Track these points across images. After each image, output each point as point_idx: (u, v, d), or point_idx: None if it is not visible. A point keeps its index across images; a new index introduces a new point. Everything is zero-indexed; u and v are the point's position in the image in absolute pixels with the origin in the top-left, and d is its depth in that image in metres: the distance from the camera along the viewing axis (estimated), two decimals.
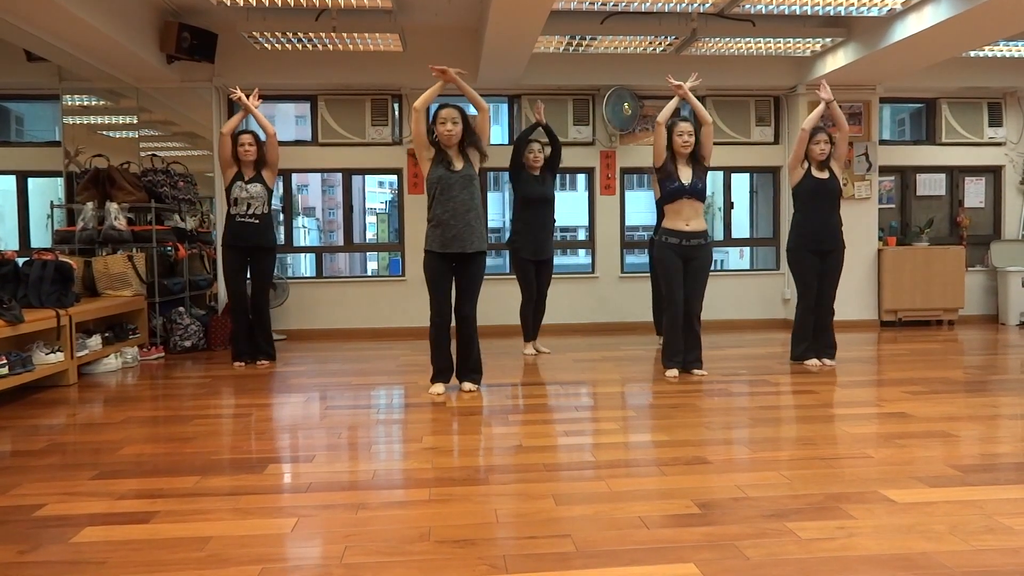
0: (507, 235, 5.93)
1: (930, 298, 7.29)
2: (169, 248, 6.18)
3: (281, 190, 7.02)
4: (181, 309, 6.16)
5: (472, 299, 4.25)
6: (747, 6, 5.46)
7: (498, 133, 8.50)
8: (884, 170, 7.48)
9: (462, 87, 4.19)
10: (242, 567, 1.96)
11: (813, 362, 5.07)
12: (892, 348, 6.01)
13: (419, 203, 6.73)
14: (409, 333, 6.79)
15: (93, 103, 6.86)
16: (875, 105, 7.22)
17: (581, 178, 7.94)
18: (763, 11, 5.58)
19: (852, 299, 7.16)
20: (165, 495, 2.54)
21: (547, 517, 2.29)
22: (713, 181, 7.95)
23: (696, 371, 4.76)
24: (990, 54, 6.60)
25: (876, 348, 6.04)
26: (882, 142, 7.48)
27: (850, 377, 4.67)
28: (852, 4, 5.33)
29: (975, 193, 7.80)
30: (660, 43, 6.27)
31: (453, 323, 4.28)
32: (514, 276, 5.79)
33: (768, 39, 6.11)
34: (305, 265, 13.17)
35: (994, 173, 7.79)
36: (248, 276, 5.33)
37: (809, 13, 5.57)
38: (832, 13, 5.54)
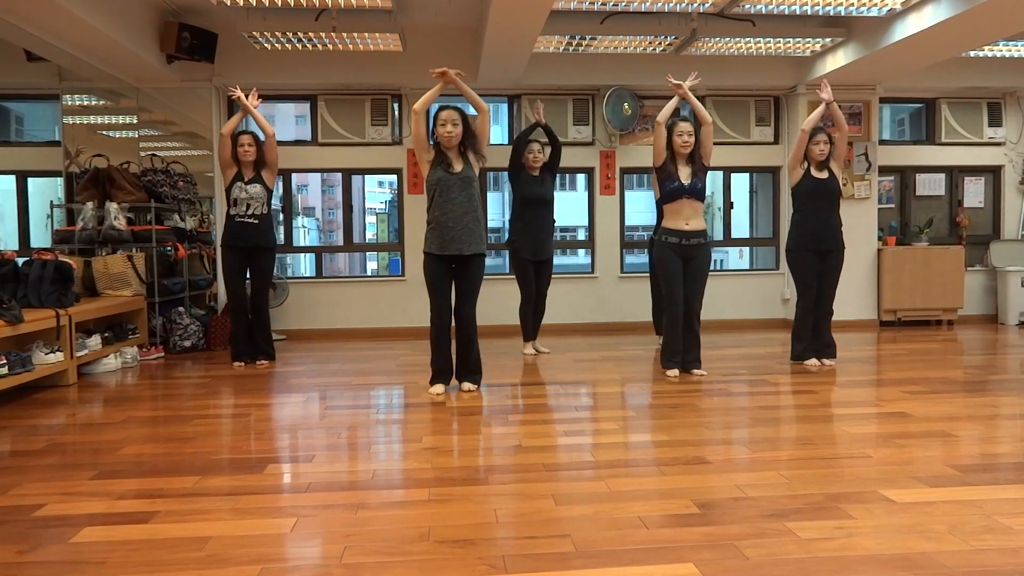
0: (507, 235, 5.93)
1: (929, 298, 7.29)
2: (169, 248, 6.18)
3: (281, 190, 7.03)
4: (181, 309, 6.15)
5: (471, 300, 4.26)
6: (747, 6, 5.46)
7: (498, 133, 8.49)
8: (884, 170, 7.48)
9: (462, 88, 4.19)
10: (242, 567, 1.96)
11: (812, 362, 5.07)
12: (891, 348, 6.02)
13: (419, 203, 6.73)
14: (409, 333, 6.79)
15: (93, 103, 6.86)
16: (875, 105, 7.22)
17: (581, 178, 7.94)
18: (763, 11, 5.59)
19: (851, 299, 7.17)
20: (165, 495, 2.54)
21: (547, 517, 2.29)
22: (713, 181, 7.95)
23: (695, 371, 4.76)
24: (990, 54, 6.60)
25: (875, 348, 6.04)
26: (882, 142, 7.48)
27: (849, 377, 4.68)
28: (852, 4, 5.33)
29: (975, 193, 7.81)
30: (660, 43, 6.27)
31: (453, 324, 4.28)
32: (513, 276, 5.79)
33: (768, 39, 6.11)
34: (305, 265, 13.17)
35: (994, 173, 7.79)
36: (247, 276, 5.33)
37: (809, 13, 5.58)
38: (832, 13, 5.54)
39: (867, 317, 7.34)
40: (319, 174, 16.06)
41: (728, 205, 7.54)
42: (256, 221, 5.19)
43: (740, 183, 7.77)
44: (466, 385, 4.31)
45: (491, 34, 5.39)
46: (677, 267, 4.70)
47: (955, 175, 7.76)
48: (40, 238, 6.79)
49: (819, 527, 2.18)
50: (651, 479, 2.67)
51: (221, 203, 6.29)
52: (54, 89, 6.46)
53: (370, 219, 22.68)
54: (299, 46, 6.22)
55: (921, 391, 4.17)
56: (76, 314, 4.73)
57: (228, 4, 5.39)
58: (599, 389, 4.48)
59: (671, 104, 4.70)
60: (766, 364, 5.17)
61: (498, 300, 6.65)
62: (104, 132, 7.00)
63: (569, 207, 8.01)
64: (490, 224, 8.37)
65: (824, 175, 5.00)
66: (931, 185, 7.74)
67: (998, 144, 7.67)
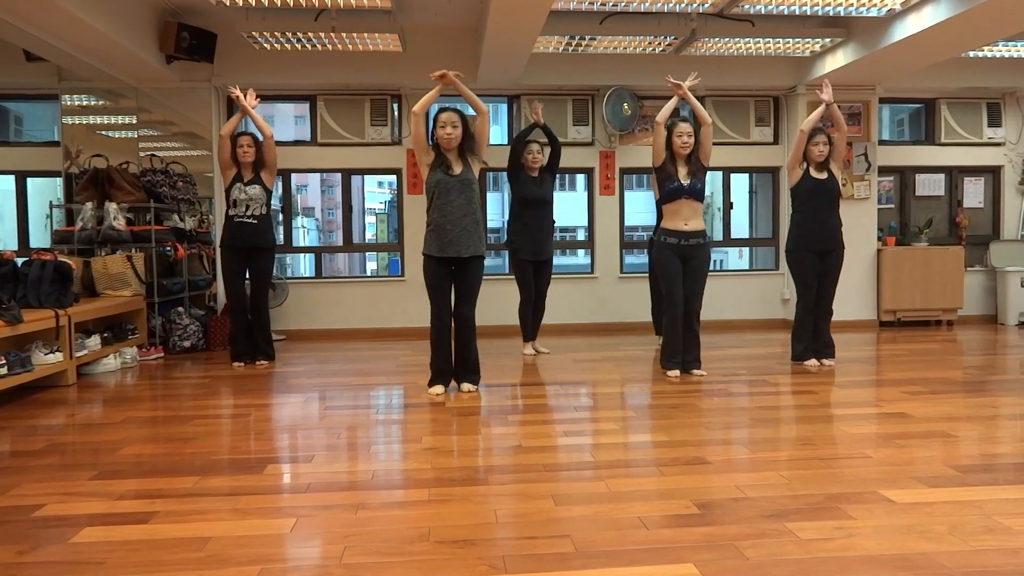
0: (506, 236, 5.93)
1: (929, 298, 7.29)
2: (168, 248, 6.18)
3: (280, 190, 7.02)
4: (180, 309, 6.15)
5: (470, 302, 4.26)
6: (747, 6, 5.46)
7: (498, 133, 8.49)
8: (883, 170, 7.48)
9: (461, 90, 4.21)
10: (241, 567, 1.96)
11: (812, 362, 5.07)
12: (891, 348, 6.02)
13: (418, 203, 6.73)
14: (409, 333, 6.79)
15: (92, 103, 6.86)
16: (874, 105, 7.23)
17: (580, 178, 7.94)
18: (763, 11, 5.58)
19: (851, 299, 7.17)
20: (164, 495, 2.54)
21: (546, 517, 2.29)
22: (712, 181, 7.96)
23: (695, 371, 4.76)
24: (989, 54, 6.61)
25: (875, 348, 6.04)
26: (881, 142, 7.49)
27: (849, 377, 4.68)
28: (852, 4, 5.33)
29: (974, 193, 7.81)
30: (660, 43, 6.27)
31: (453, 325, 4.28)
32: (513, 276, 5.79)
33: (768, 39, 6.11)
34: (304, 265, 13.17)
35: (993, 173, 7.80)
36: (247, 277, 5.33)
37: (809, 13, 5.57)
38: (832, 13, 5.54)
39: (867, 317, 7.34)
40: (318, 174, 16.05)
41: (728, 205, 7.54)
42: (255, 221, 5.19)
43: (740, 183, 7.77)
44: (465, 386, 4.31)
45: (491, 34, 5.39)
46: (676, 267, 4.70)
47: (955, 175, 7.77)
48: (39, 238, 6.78)
49: (819, 527, 2.18)
50: (651, 479, 2.67)
51: (220, 203, 6.29)
52: (53, 89, 6.45)
53: (370, 219, 22.66)
54: (299, 46, 6.21)
55: (921, 391, 4.17)
56: (75, 314, 4.73)
57: (227, 4, 5.39)
58: (599, 389, 4.48)
59: (670, 104, 4.70)
60: (766, 364, 5.18)
61: (498, 300, 6.65)
62: (103, 132, 7.00)
63: (569, 207, 8.00)
64: (490, 224, 8.35)
65: (823, 175, 5.00)
66: (931, 185, 7.75)
67: (998, 144, 7.68)
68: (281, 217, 7.29)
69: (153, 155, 6.48)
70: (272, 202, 5.53)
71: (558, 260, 6.17)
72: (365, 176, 10.70)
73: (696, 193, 4.67)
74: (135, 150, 6.66)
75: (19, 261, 4.84)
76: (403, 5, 5.97)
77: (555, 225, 5.83)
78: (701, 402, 3.99)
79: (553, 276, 5.88)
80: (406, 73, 6.61)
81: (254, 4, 5.42)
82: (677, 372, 4.70)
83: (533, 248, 5.57)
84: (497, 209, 16.77)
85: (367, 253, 16.28)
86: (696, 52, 6.40)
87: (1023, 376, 4.75)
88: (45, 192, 6.88)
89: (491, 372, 4.91)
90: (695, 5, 5.46)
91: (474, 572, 1.91)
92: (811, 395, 4.15)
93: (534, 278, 5.65)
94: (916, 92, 7.47)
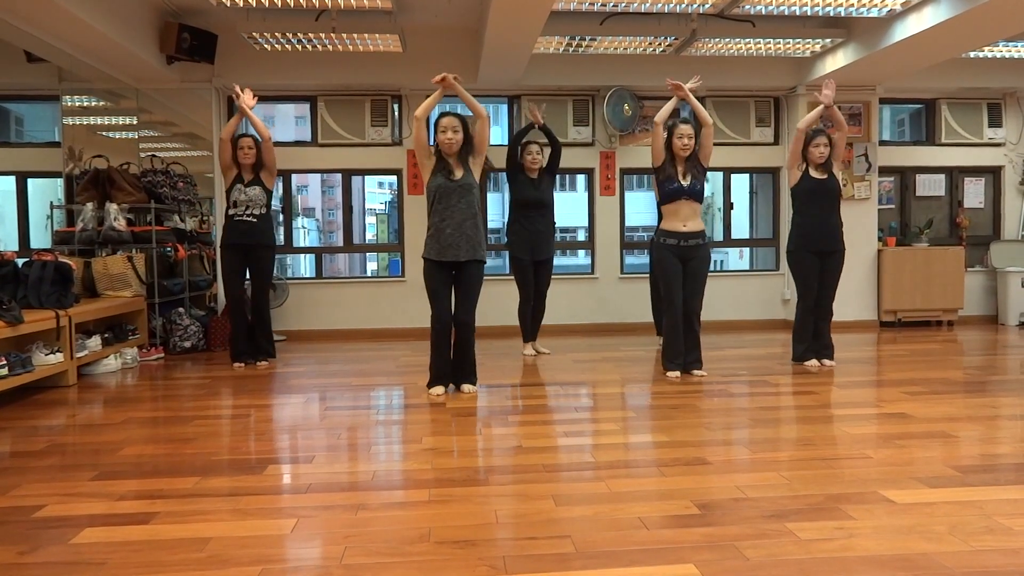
0: (505, 236, 5.93)
1: (930, 299, 7.29)
2: (169, 249, 6.18)
3: (281, 191, 7.03)
4: (181, 310, 6.15)
5: (470, 306, 4.26)
6: (747, 7, 5.46)
7: (498, 134, 8.50)
8: (884, 171, 7.48)
9: (461, 94, 4.22)
10: (242, 568, 1.96)
11: (813, 363, 5.07)
12: (892, 349, 6.01)
13: (419, 203, 6.74)
14: (409, 334, 6.79)
15: (93, 104, 6.86)
16: (875, 106, 7.23)
17: (581, 179, 7.95)
18: (763, 12, 5.59)
19: (851, 300, 7.17)
20: (165, 496, 2.54)
21: (547, 518, 2.29)
22: (713, 182, 7.96)
23: (696, 371, 4.76)
24: (990, 55, 6.61)
25: (876, 349, 6.04)
26: (882, 143, 7.49)
27: (850, 378, 4.67)
28: (852, 5, 5.33)
29: (975, 194, 7.81)
30: (660, 44, 6.28)
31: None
32: (513, 277, 5.78)
33: (768, 40, 6.11)
34: (305, 266, 13.17)
35: (994, 174, 7.80)
36: (247, 276, 5.34)
37: (809, 14, 5.58)
38: (832, 14, 5.55)
39: (867, 318, 7.34)
40: (319, 175, 16.06)
41: (728, 206, 7.54)
42: (254, 220, 5.20)
43: (740, 184, 7.77)
44: (466, 387, 4.31)
45: (491, 35, 5.39)
46: (676, 268, 4.70)
47: (955, 176, 7.77)
48: (40, 239, 6.77)
49: (819, 528, 2.18)
50: (651, 480, 2.67)
51: (221, 204, 6.30)
52: (54, 90, 6.45)
53: (370, 220, 22.68)
54: (299, 47, 6.22)
55: (921, 392, 4.17)
56: (76, 315, 4.73)
57: (228, 5, 5.39)
58: (599, 390, 4.48)
59: (669, 105, 4.70)
60: (766, 365, 5.17)
61: (498, 301, 6.65)
62: (104, 133, 7.00)
63: (569, 208, 8.01)
64: (490, 225, 8.35)
65: (823, 175, 5.00)
66: (931, 186, 7.75)
67: (998, 145, 7.68)
68: (281, 218, 7.29)
69: (154, 156, 6.48)
70: (272, 203, 5.53)
71: (558, 260, 6.16)
72: (365, 177, 10.70)
73: (696, 194, 4.67)
74: (136, 151, 6.67)
75: (20, 262, 4.84)
76: (403, 6, 5.98)
77: (555, 226, 5.82)
78: (701, 402, 3.99)
79: (553, 276, 5.88)
80: (406, 74, 6.62)
81: (254, 5, 5.43)
82: (677, 373, 4.70)
83: (530, 248, 5.57)
84: (497, 210, 16.79)
85: (367, 254, 16.29)
86: (696, 52, 6.40)
87: (1023, 376, 4.74)
88: (46, 193, 6.87)
89: (491, 372, 4.91)
90: (695, 5, 5.46)
91: (474, 572, 1.91)
92: (811, 395, 4.15)
93: (534, 278, 5.64)
94: (916, 92, 7.47)
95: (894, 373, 4.84)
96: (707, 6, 5.49)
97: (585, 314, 7.23)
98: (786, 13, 5.56)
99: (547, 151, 5.64)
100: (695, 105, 4.66)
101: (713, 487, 2.57)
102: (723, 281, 7.44)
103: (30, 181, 6.89)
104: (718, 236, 7.65)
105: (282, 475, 2.81)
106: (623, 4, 5.37)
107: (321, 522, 2.29)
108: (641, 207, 10.60)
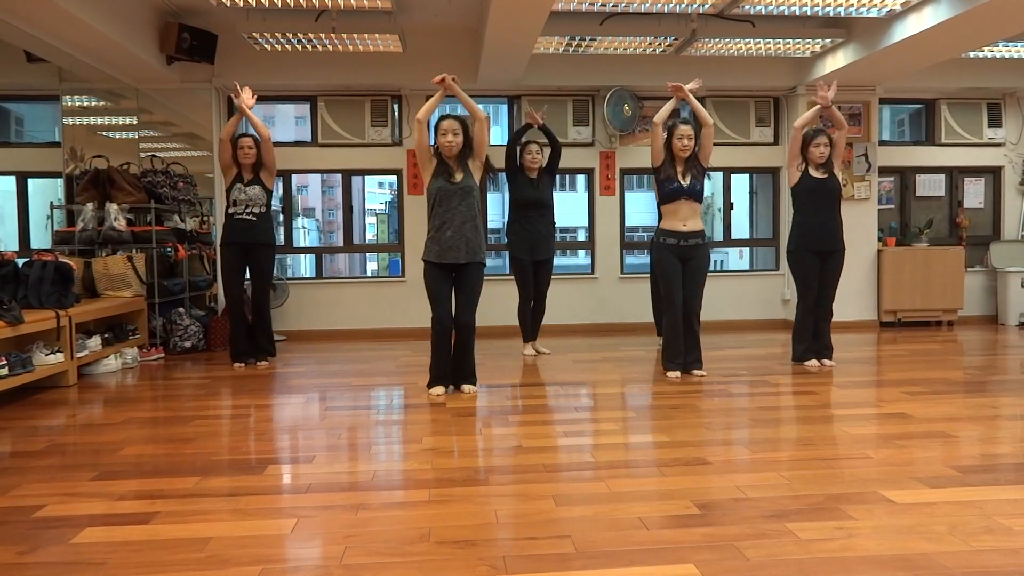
0: (505, 237, 5.93)
1: (929, 299, 7.29)
2: (169, 249, 6.18)
3: (281, 191, 7.03)
4: (181, 310, 6.16)
5: (471, 309, 4.26)
6: (747, 7, 5.46)
7: (498, 134, 8.51)
8: (884, 171, 7.48)
9: (460, 96, 4.23)
10: (242, 568, 1.96)
11: (813, 363, 5.07)
12: (892, 349, 6.02)
13: (419, 204, 6.74)
14: (409, 334, 6.79)
15: (93, 104, 6.86)
16: (875, 106, 7.23)
17: (581, 179, 7.95)
18: (763, 12, 5.59)
19: (851, 300, 7.17)
20: (165, 496, 2.54)
21: (547, 518, 2.29)
22: (713, 182, 7.96)
23: (696, 371, 4.76)
24: (990, 55, 6.61)
25: (876, 349, 6.04)
26: (882, 143, 7.49)
27: (850, 378, 4.68)
28: (852, 5, 5.33)
29: (974, 194, 7.81)
30: (660, 44, 6.28)
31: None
32: (513, 277, 5.78)
33: (768, 40, 6.11)
34: (305, 266, 13.18)
35: (993, 174, 7.80)
36: (248, 276, 5.34)
37: (809, 14, 5.58)
38: (832, 14, 5.55)
39: (867, 318, 7.34)
40: (319, 175, 16.07)
41: (728, 206, 7.55)
42: (254, 218, 5.20)
43: (740, 184, 7.77)
44: (466, 387, 4.31)
45: (491, 35, 5.39)
46: (676, 268, 4.70)
47: (955, 176, 7.77)
48: (40, 239, 6.77)
49: (819, 528, 2.18)
50: (651, 480, 2.67)
51: (221, 204, 6.30)
52: (54, 90, 6.45)
53: (370, 220, 22.69)
54: (299, 47, 6.22)
55: (921, 392, 4.17)
56: (76, 315, 4.73)
57: (228, 5, 5.39)
58: (599, 390, 4.48)
59: (668, 105, 4.70)
60: (766, 365, 5.18)
61: (498, 301, 6.65)
62: (104, 133, 7.00)
63: (569, 208, 8.01)
64: (490, 225, 8.35)
65: (824, 175, 5.00)
66: (931, 186, 7.75)
67: (998, 145, 7.68)
68: (282, 218, 7.29)
69: (154, 156, 6.48)
70: (272, 203, 5.53)
71: (558, 261, 6.16)
72: (365, 177, 10.71)
73: (695, 194, 4.67)
74: (136, 151, 6.67)
75: (20, 262, 4.84)
76: (403, 6, 5.98)
77: (555, 226, 5.82)
78: (701, 402, 3.99)
79: (553, 276, 5.88)
80: (406, 74, 6.62)
81: (254, 5, 5.43)
82: (678, 373, 4.70)
83: (530, 249, 5.57)
84: (497, 210, 16.80)
85: (367, 254, 16.30)
86: (696, 53, 6.40)
87: (1023, 376, 4.74)
88: (46, 193, 6.87)
89: (491, 372, 4.91)
90: (695, 6, 5.46)
91: (474, 573, 1.92)
92: (811, 395, 4.15)
93: (534, 278, 5.64)
94: (916, 92, 7.47)
95: (894, 373, 4.84)
96: (707, 6, 5.50)
97: (585, 314, 7.23)
98: (786, 13, 5.56)
99: (547, 151, 5.65)
100: (695, 105, 4.66)
101: (713, 487, 2.57)
102: (723, 281, 7.44)
103: (30, 181, 6.89)
104: (718, 236, 7.65)
105: (282, 475, 2.81)
106: (623, 4, 5.37)
107: (321, 522, 2.29)
108: (641, 207, 10.60)
